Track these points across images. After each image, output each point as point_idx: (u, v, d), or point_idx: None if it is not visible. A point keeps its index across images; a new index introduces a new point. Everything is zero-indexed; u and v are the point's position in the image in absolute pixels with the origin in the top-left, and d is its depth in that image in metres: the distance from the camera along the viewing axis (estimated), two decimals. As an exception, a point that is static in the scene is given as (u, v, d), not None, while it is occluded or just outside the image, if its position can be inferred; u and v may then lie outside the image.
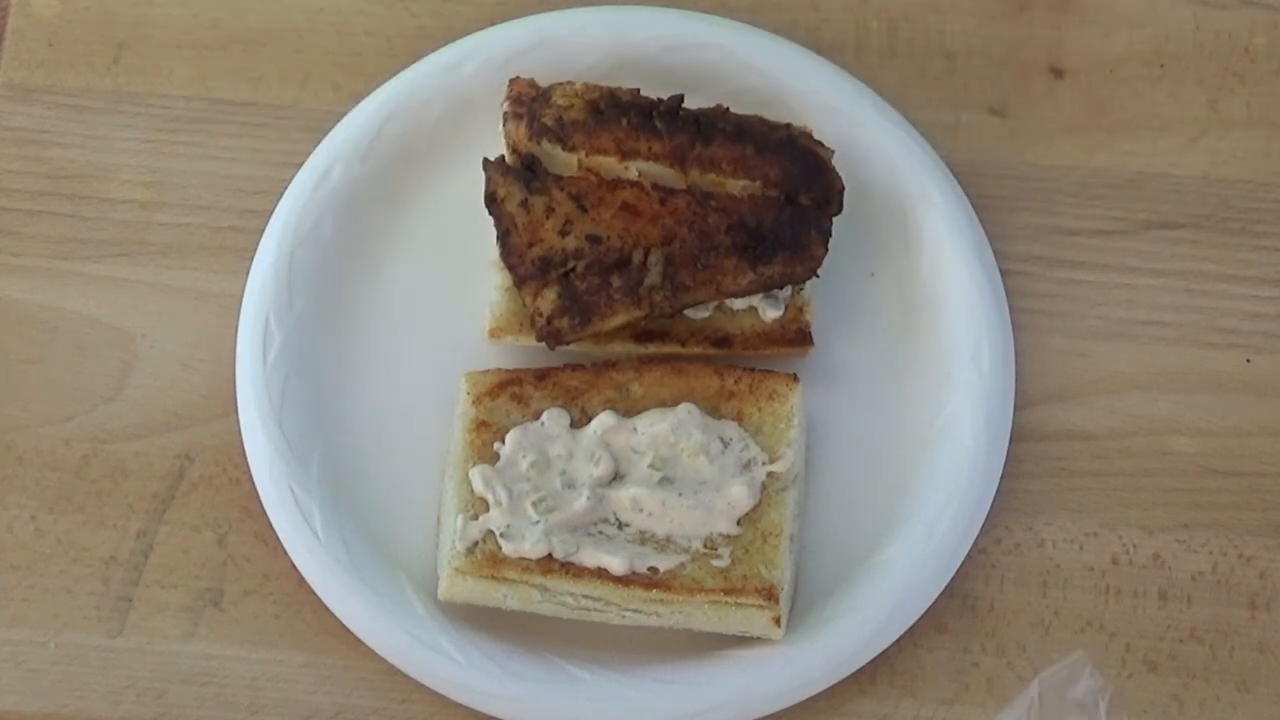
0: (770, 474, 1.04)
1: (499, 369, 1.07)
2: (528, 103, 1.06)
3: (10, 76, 1.15)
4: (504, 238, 1.05)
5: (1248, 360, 1.12)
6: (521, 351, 1.08)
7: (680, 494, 1.03)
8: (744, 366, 1.07)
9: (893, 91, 1.14)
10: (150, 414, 1.09)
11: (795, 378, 1.07)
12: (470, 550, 1.02)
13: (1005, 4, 1.17)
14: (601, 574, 1.02)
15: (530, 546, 1.02)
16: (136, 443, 1.09)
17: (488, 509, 1.03)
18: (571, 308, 1.05)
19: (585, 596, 1.02)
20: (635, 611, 1.03)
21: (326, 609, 1.05)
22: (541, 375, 1.06)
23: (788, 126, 1.07)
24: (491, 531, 1.03)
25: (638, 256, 1.05)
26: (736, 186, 1.05)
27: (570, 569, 1.02)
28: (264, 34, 1.15)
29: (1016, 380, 1.09)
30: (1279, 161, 1.15)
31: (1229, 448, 1.10)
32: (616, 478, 1.04)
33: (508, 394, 1.06)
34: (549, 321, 1.05)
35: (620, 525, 1.04)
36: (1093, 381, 1.11)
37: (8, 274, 1.11)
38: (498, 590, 1.02)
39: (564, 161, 1.05)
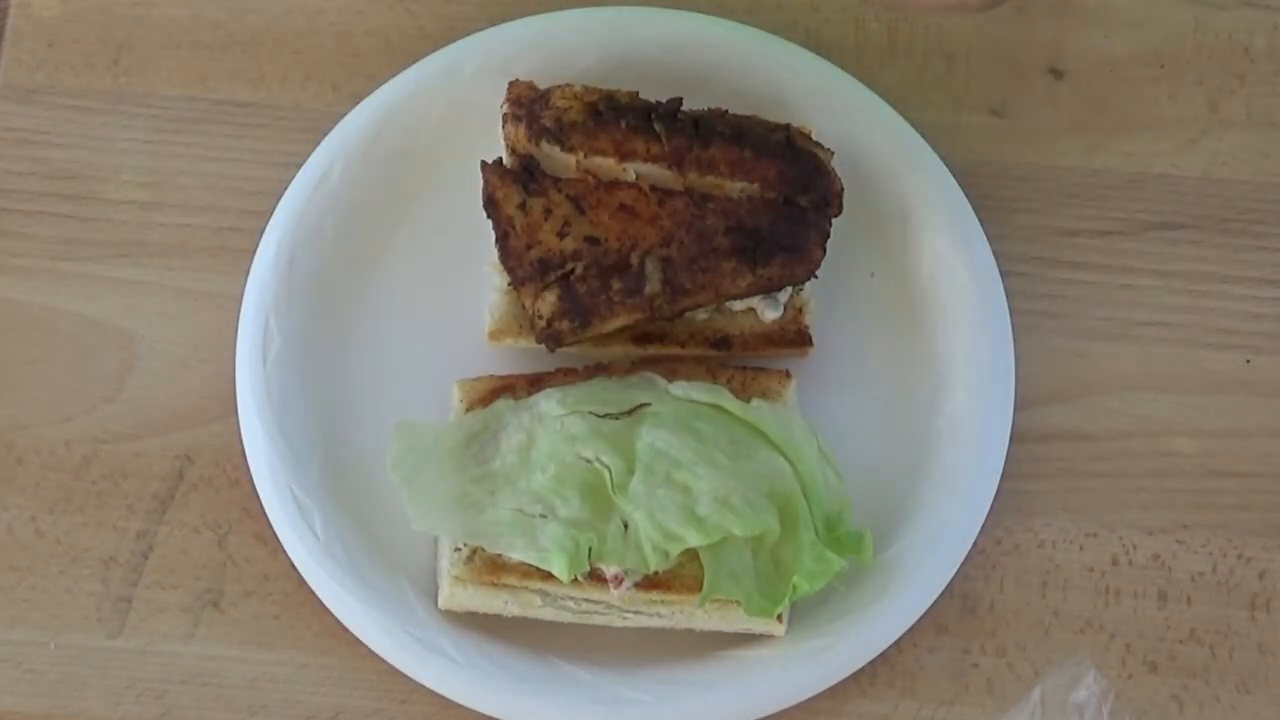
0: (766, 471, 1.04)
1: (491, 375, 1.07)
2: (527, 104, 1.06)
3: (10, 76, 1.15)
4: (502, 240, 1.05)
5: (1248, 360, 1.12)
6: (521, 353, 1.08)
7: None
8: (737, 365, 1.07)
9: (893, 91, 1.14)
10: (150, 414, 1.09)
11: (788, 374, 1.07)
12: (470, 558, 1.02)
13: (1005, 4, 1.17)
14: (601, 577, 1.02)
15: None
16: (136, 443, 1.09)
17: (485, 517, 1.03)
18: (571, 310, 1.05)
19: (586, 600, 1.02)
20: (637, 613, 1.03)
21: (326, 610, 1.05)
22: (534, 380, 1.06)
23: (787, 128, 1.07)
24: (490, 539, 1.03)
25: (636, 260, 1.05)
26: (735, 189, 1.05)
27: (569, 573, 1.02)
28: (264, 34, 1.15)
29: (1016, 380, 1.09)
30: (1279, 162, 1.15)
31: (1229, 448, 1.10)
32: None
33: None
34: (549, 324, 1.05)
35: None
36: (1093, 382, 1.11)
37: (8, 274, 1.11)
38: (498, 597, 1.02)
39: (562, 163, 1.05)
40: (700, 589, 1.01)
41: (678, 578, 1.02)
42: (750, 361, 1.08)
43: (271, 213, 1.10)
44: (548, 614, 1.03)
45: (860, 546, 1.02)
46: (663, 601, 1.02)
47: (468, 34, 1.13)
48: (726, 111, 1.07)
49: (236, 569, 1.07)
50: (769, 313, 1.08)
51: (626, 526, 1.01)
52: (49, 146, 1.14)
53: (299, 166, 1.11)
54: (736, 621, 1.03)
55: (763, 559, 1.01)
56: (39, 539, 1.07)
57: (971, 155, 1.14)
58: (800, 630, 1.04)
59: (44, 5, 1.16)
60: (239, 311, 1.09)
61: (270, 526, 1.06)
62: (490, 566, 1.02)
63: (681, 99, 1.06)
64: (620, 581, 1.02)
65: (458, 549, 1.02)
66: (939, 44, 1.16)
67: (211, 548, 1.07)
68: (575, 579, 1.01)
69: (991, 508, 1.07)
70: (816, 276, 1.07)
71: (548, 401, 1.03)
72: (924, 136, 1.12)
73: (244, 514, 1.08)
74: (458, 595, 1.02)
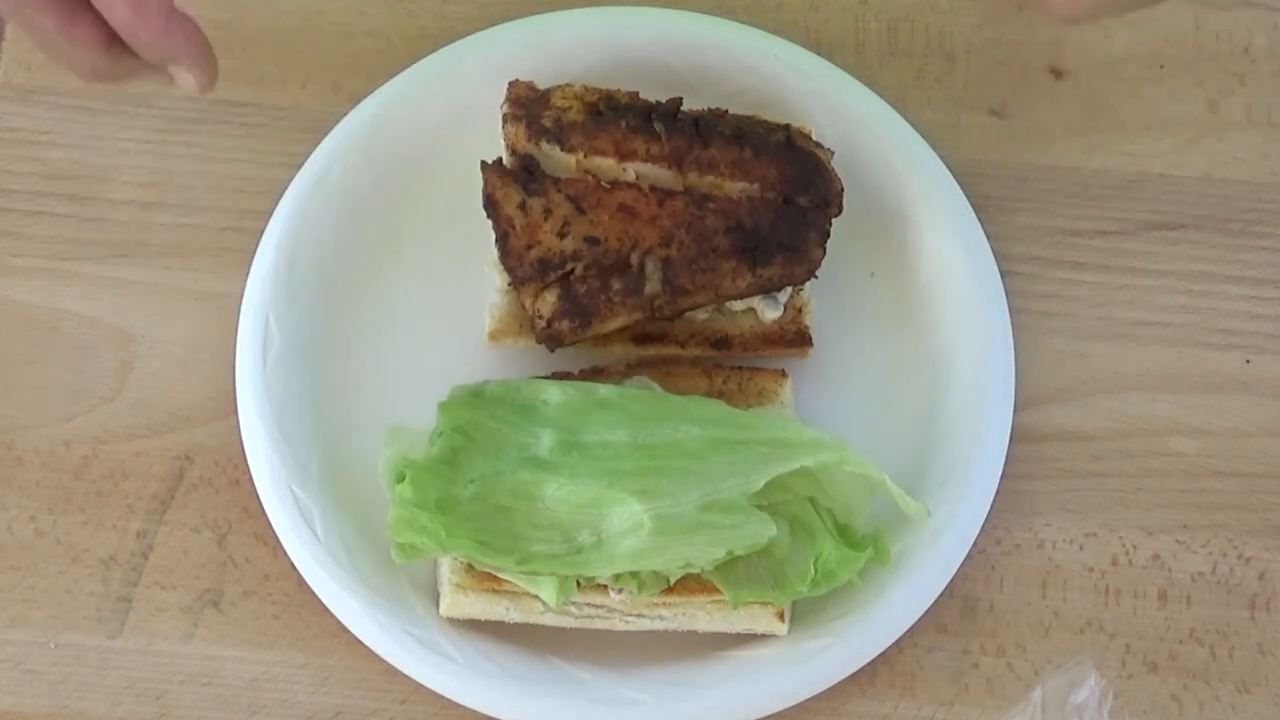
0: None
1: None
2: (527, 104, 1.06)
3: (10, 76, 1.15)
4: (502, 240, 1.05)
5: (1247, 361, 1.12)
6: (521, 354, 1.08)
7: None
8: (732, 365, 1.07)
9: (893, 91, 1.14)
10: (150, 414, 1.09)
11: (784, 373, 1.07)
12: (470, 565, 1.02)
13: (1005, 4, 1.17)
14: (601, 583, 1.02)
15: None
16: (136, 443, 1.09)
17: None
18: (571, 310, 1.05)
19: (588, 605, 1.02)
20: (639, 616, 1.03)
21: (326, 610, 1.05)
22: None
23: (787, 128, 1.07)
24: (490, 545, 1.03)
25: (636, 259, 1.05)
26: (735, 189, 1.05)
27: (571, 578, 1.02)
28: (264, 34, 1.15)
29: (1016, 380, 1.09)
30: (1278, 162, 1.15)
31: (1229, 448, 1.11)
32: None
33: None
34: (549, 324, 1.05)
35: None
36: (1093, 382, 1.11)
37: (8, 274, 1.11)
38: (500, 603, 1.02)
39: (562, 163, 1.05)
40: (701, 591, 1.02)
41: (679, 580, 1.02)
42: (750, 362, 1.08)
43: (271, 213, 1.10)
44: (549, 619, 1.02)
45: (877, 547, 1.02)
46: (664, 604, 1.02)
47: (468, 34, 1.13)
48: (726, 111, 1.07)
49: (236, 569, 1.07)
50: (769, 313, 1.08)
51: None
52: (49, 146, 1.14)
53: (299, 166, 1.11)
54: (739, 622, 1.03)
55: (772, 567, 1.01)
56: (39, 539, 1.07)
57: (971, 155, 1.14)
58: (800, 630, 1.04)
59: (44, 5, 1.16)
60: (239, 311, 1.09)
61: (270, 526, 1.06)
62: (491, 573, 1.02)
63: (681, 99, 1.06)
64: (620, 588, 1.02)
65: (456, 557, 1.02)
66: (939, 44, 1.16)
67: (211, 548, 1.07)
68: (577, 583, 1.01)
69: (991, 508, 1.07)
70: (816, 276, 1.07)
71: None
72: (924, 136, 1.12)
73: (244, 514, 1.08)
74: (459, 602, 1.02)
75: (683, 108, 1.06)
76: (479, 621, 1.04)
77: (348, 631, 1.05)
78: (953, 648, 1.07)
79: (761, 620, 1.03)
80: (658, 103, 1.06)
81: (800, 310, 1.08)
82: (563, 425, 1.01)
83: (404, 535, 0.99)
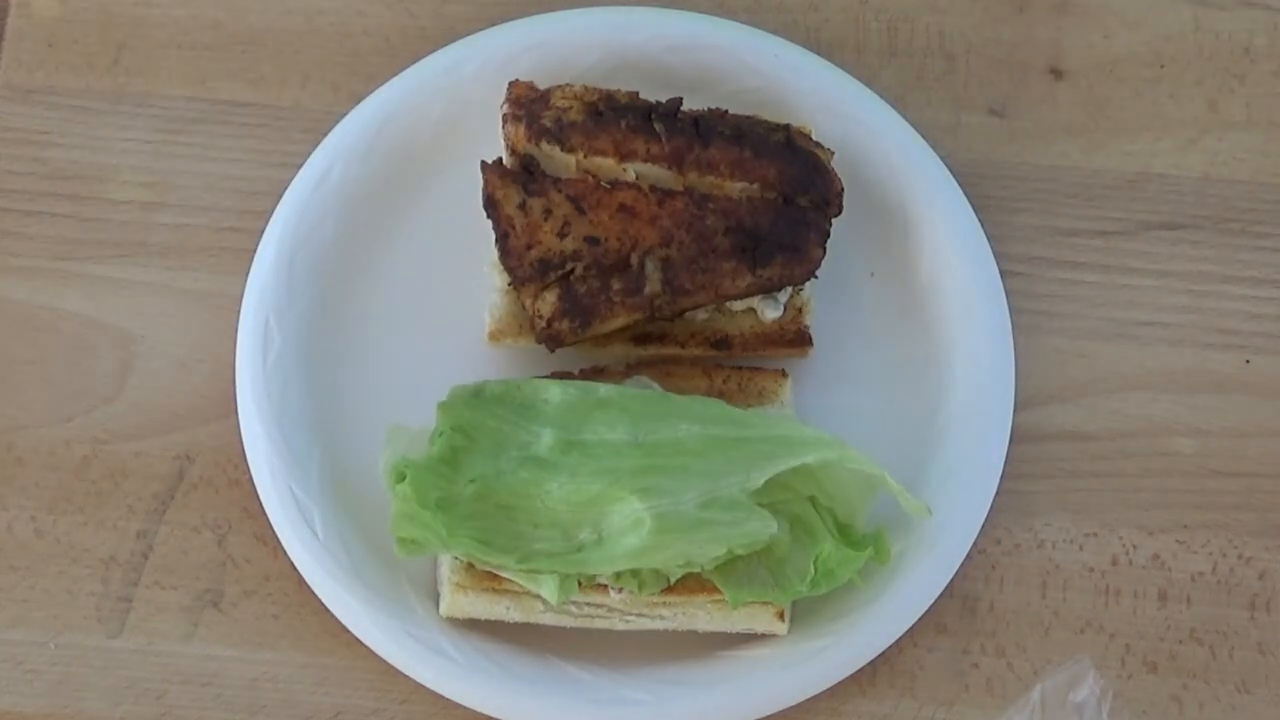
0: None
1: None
2: (527, 104, 1.06)
3: (10, 76, 1.15)
4: (502, 240, 1.05)
5: (1247, 361, 1.12)
6: (521, 354, 1.08)
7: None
8: (732, 365, 1.07)
9: (893, 91, 1.14)
10: (150, 414, 1.09)
11: (784, 373, 1.07)
12: (470, 565, 1.02)
13: (1005, 4, 1.17)
14: (602, 583, 1.02)
15: None
16: (136, 443, 1.09)
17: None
18: (571, 310, 1.05)
19: (588, 604, 1.02)
20: (639, 615, 1.03)
21: (326, 610, 1.05)
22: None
23: (787, 128, 1.07)
24: (489, 545, 1.03)
25: (636, 260, 1.05)
26: (735, 189, 1.05)
27: (571, 577, 1.02)
28: (264, 34, 1.15)
29: (1016, 380, 1.09)
30: (1279, 161, 1.15)
31: (1229, 448, 1.11)
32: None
33: None
34: (549, 324, 1.05)
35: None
36: (1093, 382, 1.11)
37: (8, 274, 1.11)
38: (500, 603, 1.02)
39: (562, 163, 1.05)
40: (701, 590, 1.02)
41: (679, 580, 1.02)
42: (750, 361, 1.08)
43: (271, 213, 1.10)
44: (549, 618, 1.03)
45: (878, 546, 1.02)
46: (664, 604, 1.02)
47: (468, 34, 1.13)
48: (726, 111, 1.07)
49: (236, 569, 1.07)
50: (769, 313, 1.08)
51: None
52: (49, 146, 1.14)
53: (299, 166, 1.11)
54: (739, 622, 1.03)
55: (772, 567, 1.01)
56: (39, 539, 1.07)
57: (971, 155, 1.14)
58: (800, 630, 1.04)
59: (44, 5, 1.16)
60: (239, 311, 1.09)
61: (270, 526, 1.06)
62: (490, 573, 1.02)
63: (681, 99, 1.06)
64: (621, 587, 1.02)
65: (457, 556, 1.02)
66: (939, 44, 1.16)
67: (211, 548, 1.07)
68: (578, 582, 1.01)
69: (991, 508, 1.08)
70: (816, 276, 1.07)
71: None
72: (924, 136, 1.12)
73: (244, 514, 1.08)
74: (459, 602, 1.02)
75: (683, 108, 1.06)
76: (479, 621, 1.04)
77: (348, 631, 1.05)
78: (953, 648, 1.07)
79: (761, 620, 1.03)
80: (658, 103, 1.06)
81: (800, 310, 1.08)
82: (563, 424, 1.01)
83: (406, 530, 0.99)
